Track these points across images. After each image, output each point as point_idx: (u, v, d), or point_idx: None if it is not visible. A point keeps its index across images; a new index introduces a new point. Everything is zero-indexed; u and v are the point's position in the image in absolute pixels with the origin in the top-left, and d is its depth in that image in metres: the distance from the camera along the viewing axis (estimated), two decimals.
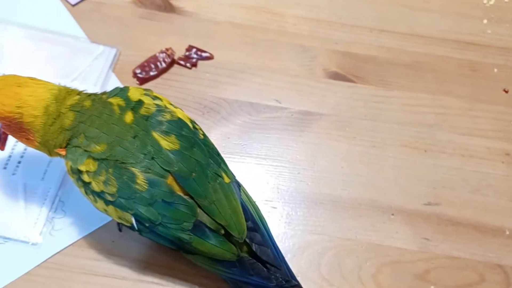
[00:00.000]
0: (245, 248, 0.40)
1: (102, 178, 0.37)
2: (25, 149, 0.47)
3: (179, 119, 0.39)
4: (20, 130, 0.38)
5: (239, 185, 0.42)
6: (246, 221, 0.39)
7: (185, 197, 0.37)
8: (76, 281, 0.43)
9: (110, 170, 0.37)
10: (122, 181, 0.36)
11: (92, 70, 0.52)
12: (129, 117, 0.38)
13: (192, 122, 0.40)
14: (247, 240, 0.39)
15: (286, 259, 0.43)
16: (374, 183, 0.49)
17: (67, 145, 0.38)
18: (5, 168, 0.46)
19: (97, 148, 0.37)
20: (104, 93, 0.40)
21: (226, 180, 0.39)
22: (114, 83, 0.52)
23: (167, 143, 0.37)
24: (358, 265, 0.45)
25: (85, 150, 0.37)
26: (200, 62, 0.55)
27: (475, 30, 0.60)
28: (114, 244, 0.45)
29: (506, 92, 0.56)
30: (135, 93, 0.39)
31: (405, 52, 0.57)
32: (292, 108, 0.53)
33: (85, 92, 0.41)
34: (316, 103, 0.53)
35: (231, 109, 0.52)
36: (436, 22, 0.60)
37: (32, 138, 0.38)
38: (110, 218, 0.45)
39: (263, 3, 0.60)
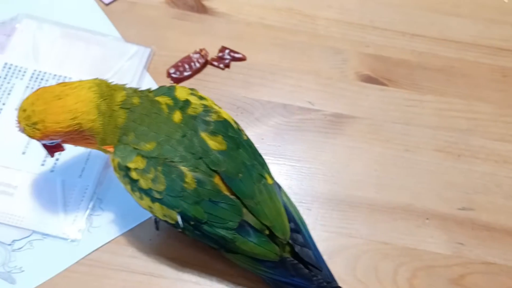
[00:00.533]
0: (287, 249, 0.40)
1: (151, 175, 0.37)
2: None
3: (225, 120, 0.39)
4: (83, 138, 0.38)
5: (279, 187, 0.42)
6: (289, 222, 0.40)
7: (232, 197, 0.38)
8: (114, 278, 0.43)
9: (159, 168, 0.37)
10: (171, 179, 0.37)
11: (127, 70, 0.53)
12: (177, 116, 0.38)
13: (236, 123, 0.41)
14: (290, 241, 0.39)
15: None
16: (408, 187, 0.49)
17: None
18: (43, 165, 0.47)
19: (147, 146, 0.37)
20: (149, 90, 0.40)
21: (269, 181, 0.40)
22: (148, 83, 0.53)
23: (214, 144, 0.38)
24: (394, 269, 0.45)
25: (135, 148, 0.37)
26: (232, 63, 0.55)
27: (506, 35, 0.60)
28: (151, 242, 0.45)
29: None
30: (182, 93, 0.39)
31: (436, 57, 0.57)
32: (325, 110, 0.53)
33: (127, 86, 0.40)
34: (348, 106, 0.53)
35: (264, 110, 0.53)
36: (467, 27, 0.60)
37: (94, 142, 0.38)
38: (147, 217, 0.46)
39: (294, 5, 0.60)
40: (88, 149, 0.48)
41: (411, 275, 0.45)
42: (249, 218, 0.38)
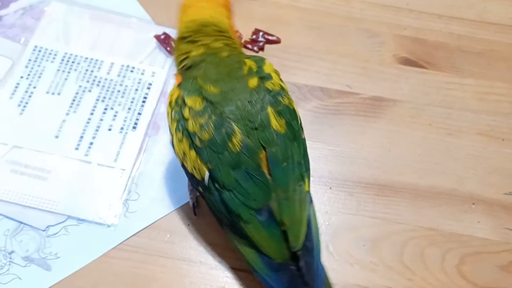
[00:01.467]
0: (292, 262, 0.37)
1: (202, 121, 0.35)
2: (96, 131, 0.46)
3: (294, 109, 0.38)
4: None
5: (311, 200, 0.39)
6: (306, 238, 0.36)
7: (269, 177, 0.36)
8: (152, 263, 0.42)
9: (213, 117, 0.35)
10: (220, 132, 0.35)
11: (159, 52, 0.51)
12: (253, 82, 0.37)
13: (301, 119, 0.39)
14: (298, 255, 0.36)
15: (367, 247, 0.42)
16: (452, 172, 0.47)
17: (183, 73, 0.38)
18: (77, 149, 0.45)
19: (211, 89, 0.36)
20: (246, 55, 0.40)
21: (306, 188, 0.37)
22: None
23: (276, 123, 0.36)
24: (441, 255, 0.44)
25: (200, 86, 0.36)
26: (267, 46, 0.54)
27: None
28: (189, 228, 0.44)
29: None
30: (269, 67, 0.39)
31: (475, 40, 0.56)
32: (364, 94, 0.51)
33: (231, 45, 0.40)
34: (388, 89, 0.52)
35: (301, 94, 0.51)
36: (506, 9, 0.58)
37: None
38: (184, 201, 0.44)
39: None
40: (123, 133, 0.46)
41: (459, 261, 0.43)
42: (274, 207, 0.36)
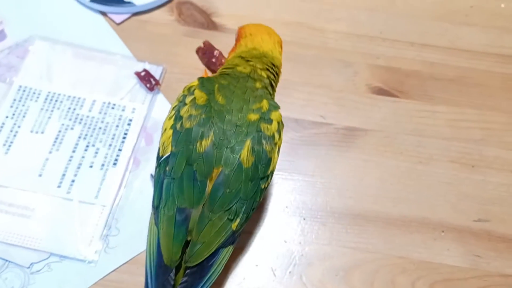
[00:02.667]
0: (179, 279, 0.39)
1: (194, 112, 0.39)
2: (78, 168, 0.48)
3: (270, 159, 0.39)
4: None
5: (233, 242, 0.40)
6: (204, 264, 0.38)
7: (208, 188, 0.38)
8: None
9: (203, 115, 0.39)
10: (198, 129, 0.38)
11: (139, 88, 0.53)
12: (254, 117, 0.39)
13: (272, 172, 0.41)
14: (187, 272, 0.38)
15: (339, 276, 0.44)
16: (423, 200, 0.49)
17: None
18: (59, 187, 0.47)
19: (219, 99, 0.40)
20: (270, 96, 0.43)
21: (234, 226, 0.39)
22: (160, 100, 0.53)
23: (245, 156, 0.38)
24: (411, 283, 0.45)
25: (213, 90, 0.40)
26: None
27: None
28: None
29: None
30: (276, 115, 0.41)
31: (448, 67, 0.57)
32: (338, 124, 0.53)
33: (269, 80, 0.43)
34: (361, 119, 0.53)
35: None
36: (478, 36, 0.60)
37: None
38: None
39: (304, 18, 0.60)
40: (103, 170, 0.48)
41: None
42: (194, 216, 0.38)
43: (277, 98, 0.54)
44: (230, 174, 0.38)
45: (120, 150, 0.49)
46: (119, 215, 0.47)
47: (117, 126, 0.51)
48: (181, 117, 0.40)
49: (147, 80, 0.53)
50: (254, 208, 0.40)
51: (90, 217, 0.46)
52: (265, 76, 0.43)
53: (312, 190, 0.49)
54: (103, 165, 0.49)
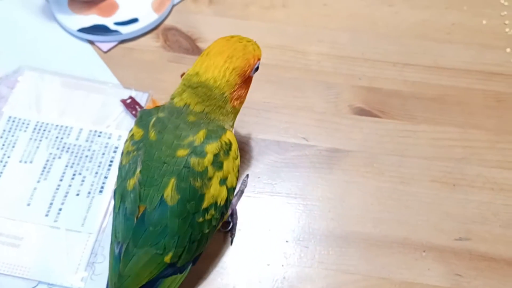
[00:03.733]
0: None
1: (130, 149, 0.41)
2: (65, 197, 0.50)
3: (201, 195, 0.39)
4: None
5: (173, 273, 0.40)
6: None
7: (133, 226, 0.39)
8: None
9: (135, 153, 0.40)
10: (130, 166, 0.40)
11: (125, 116, 0.55)
12: (182, 152, 0.39)
13: (215, 204, 0.40)
14: None
15: None
16: (404, 220, 0.50)
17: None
18: (47, 215, 0.49)
19: (152, 135, 0.40)
20: (213, 128, 0.41)
21: (167, 259, 0.39)
22: None
23: (169, 194, 0.38)
24: None
25: (149, 125, 0.41)
26: None
27: (499, 60, 0.60)
28: None
29: None
30: (213, 148, 0.40)
31: (429, 86, 0.58)
32: (320, 146, 0.54)
33: (211, 113, 0.42)
34: (343, 140, 0.54)
35: (259, 148, 0.54)
36: (460, 53, 0.60)
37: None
38: None
39: (287, 42, 0.61)
40: (90, 197, 0.49)
41: None
42: (123, 251, 0.39)
43: (259, 122, 0.56)
44: (153, 212, 0.38)
45: (106, 177, 0.51)
46: (105, 242, 0.48)
47: (103, 154, 0.52)
48: (122, 153, 0.42)
49: (133, 107, 0.54)
50: (195, 241, 0.40)
51: (77, 244, 0.47)
52: (199, 110, 0.41)
53: (295, 212, 0.50)
54: (89, 193, 0.50)
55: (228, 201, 0.42)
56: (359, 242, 0.49)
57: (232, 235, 0.48)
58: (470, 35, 0.62)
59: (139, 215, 0.39)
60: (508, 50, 0.61)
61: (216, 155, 0.40)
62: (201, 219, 0.39)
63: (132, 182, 0.39)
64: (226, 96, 0.42)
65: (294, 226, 0.50)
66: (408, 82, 0.58)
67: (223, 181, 0.40)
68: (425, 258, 0.48)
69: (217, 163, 0.40)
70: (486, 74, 0.59)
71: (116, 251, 0.39)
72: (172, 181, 0.38)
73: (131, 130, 0.42)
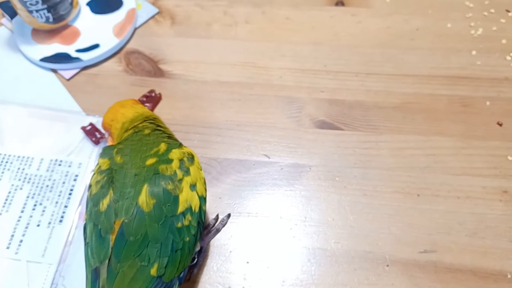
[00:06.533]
0: None
1: (99, 178, 0.42)
2: (26, 228, 0.50)
3: (175, 197, 0.40)
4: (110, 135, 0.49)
5: (169, 287, 0.40)
6: None
7: (111, 244, 0.39)
8: None
9: (105, 178, 0.41)
10: (101, 191, 0.41)
11: (86, 143, 0.55)
12: (151, 161, 0.41)
13: (190, 209, 0.41)
14: None
15: None
16: (367, 234, 0.49)
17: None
18: (8, 248, 0.49)
19: (118, 159, 0.42)
20: (167, 138, 0.45)
21: (153, 272, 0.38)
22: None
23: (144, 200, 0.39)
24: None
25: (112, 153, 0.43)
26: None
27: (464, 63, 0.59)
28: None
29: (500, 125, 0.54)
30: (176, 154, 0.42)
31: (393, 94, 0.57)
32: (282, 162, 0.53)
33: (155, 125, 0.47)
34: (304, 155, 0.54)
35: (222, 168, 0.54)
36: (424, 59, 0.60)
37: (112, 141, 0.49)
38: None
39: (249, 58, 0.61)
40: (50, 227, 0.49)
41: None
42: (102, 272, 0.38)
43: (222, 141, 0.55)
44: (130, 221, 0.39)
45: (66, 206, 0.51)
46: (66, 272, 0.48)
47: (64, 182, 0.52)
48: (90, 186, 0.42)
49: (92, 133, 0.55)
50: (179, 250, 0.40)
51: (38, 276, 0.47)
52: (148, 125, 0.46)
53: (256, 232, 0.50)
54: (49, 223, 0.50)
55: (202, 211, 0.42)
56: (320, 259, 0.48)
57: (192, 272, 0.47)
58: (435, 40, 0.61)
59: (116, 231, 0.39)
60: (474, 52, 0.60)
61: (181, 161, 0.42)
62: (179, 224, 0.40)
63: (105, 202, 0.40)
64: (149, 114, 0.49)
65: (255, 246, 0.49)
66: (371, 92, 0.58)
67: (193, 186, 0.42)
68: (389, 273, 0.47)
69: (184, 168, 0.42)
70: (451, 79, 0.58)
71: (93, 278, 0.39)
72: (145, 187, 0.40)
73: (97, 164, 0.44)
